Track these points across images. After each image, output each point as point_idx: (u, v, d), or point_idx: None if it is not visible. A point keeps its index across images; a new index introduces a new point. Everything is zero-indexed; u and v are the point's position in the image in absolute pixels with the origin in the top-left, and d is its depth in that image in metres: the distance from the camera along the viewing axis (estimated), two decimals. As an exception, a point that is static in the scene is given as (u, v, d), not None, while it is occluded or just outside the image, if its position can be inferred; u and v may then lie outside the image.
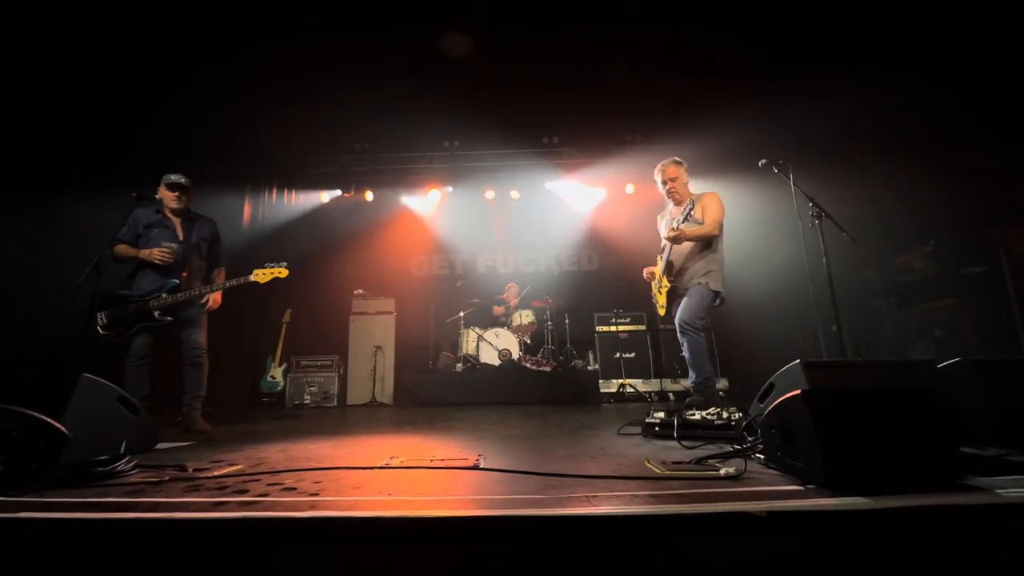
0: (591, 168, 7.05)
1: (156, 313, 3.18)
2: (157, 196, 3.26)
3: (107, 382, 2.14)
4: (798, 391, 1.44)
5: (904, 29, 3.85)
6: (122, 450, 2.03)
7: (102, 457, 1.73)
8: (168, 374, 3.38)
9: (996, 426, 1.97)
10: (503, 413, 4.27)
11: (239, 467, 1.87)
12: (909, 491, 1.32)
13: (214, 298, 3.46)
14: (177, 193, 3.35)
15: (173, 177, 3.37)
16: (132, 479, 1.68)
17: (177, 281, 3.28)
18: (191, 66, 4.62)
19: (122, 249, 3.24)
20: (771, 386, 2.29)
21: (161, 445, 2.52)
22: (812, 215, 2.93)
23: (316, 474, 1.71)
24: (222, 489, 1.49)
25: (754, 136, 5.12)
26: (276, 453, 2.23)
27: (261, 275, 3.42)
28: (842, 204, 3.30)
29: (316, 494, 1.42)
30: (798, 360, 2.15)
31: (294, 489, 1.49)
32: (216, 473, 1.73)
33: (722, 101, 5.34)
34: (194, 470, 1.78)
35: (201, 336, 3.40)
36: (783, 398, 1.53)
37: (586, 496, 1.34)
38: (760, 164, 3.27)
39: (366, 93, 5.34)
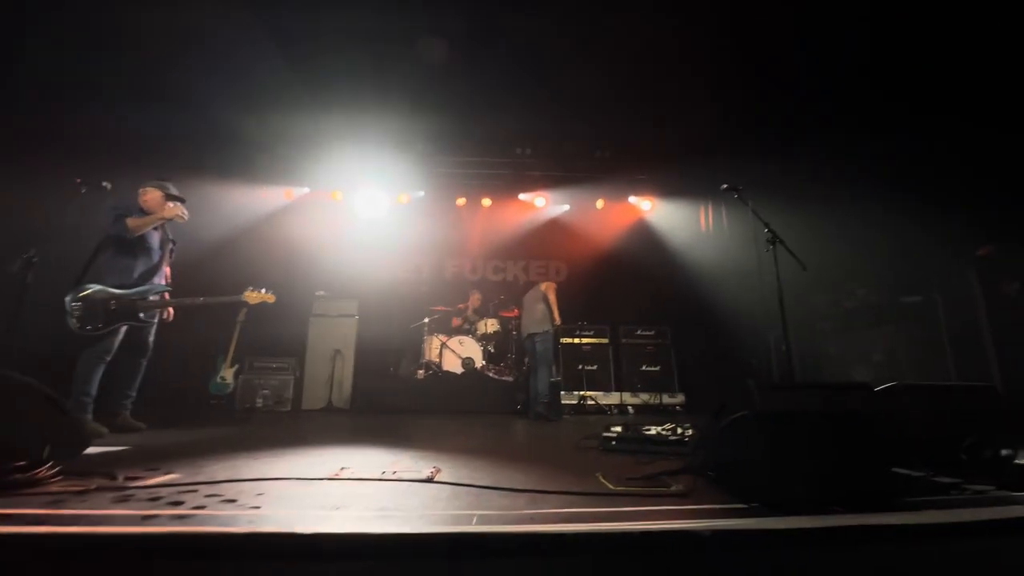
0: (562, 181, 7.16)
1: (141, 315, 3.17)
2: (104, 184, 3.07)
3: (31, 380, 1.98)
4: (746, 412, 1.49)
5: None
6: (45, 455, 1.87)
7: (20, 463, 1.59)
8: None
9: (924, 448, 2.10)
10: (464, 423, 4.22)
11: (176, 476, 1.76)
12: (847, 511, 1.38)
13: (170, 310, 3.42)
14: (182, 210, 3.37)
15: (174, 189, 3.38)
16: (54, 488, 1.55)
17: (165, 286, 3.35)
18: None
19: (136, 221, 3.13)
20: (723, 404, 2.36)
21: (92, 449, 2.34)
22: (767, 240, 3.07)
23: (259, 485, 1.63)
24: (154, 500, 1.40)
25: (718, 161, 5.34)
26: (218, 461, 2.11)
27: (252, 296, 3.56)
28: (793, 230, 3.48)
29: (257, 507, 1.36)
30: (750, 380, 2.23)
31: (234, 501, 1.41)
32: (150, 482, 1.63)
33: (690, 126, 5.56)
34: (125, 478, 1.66)
35: (152, 338, 3.38)
36: (732, 418, 1.58)
37: (536, 513, 1.33)
38: (721, 188, 3.41)
39: (342, 87, 5.22)
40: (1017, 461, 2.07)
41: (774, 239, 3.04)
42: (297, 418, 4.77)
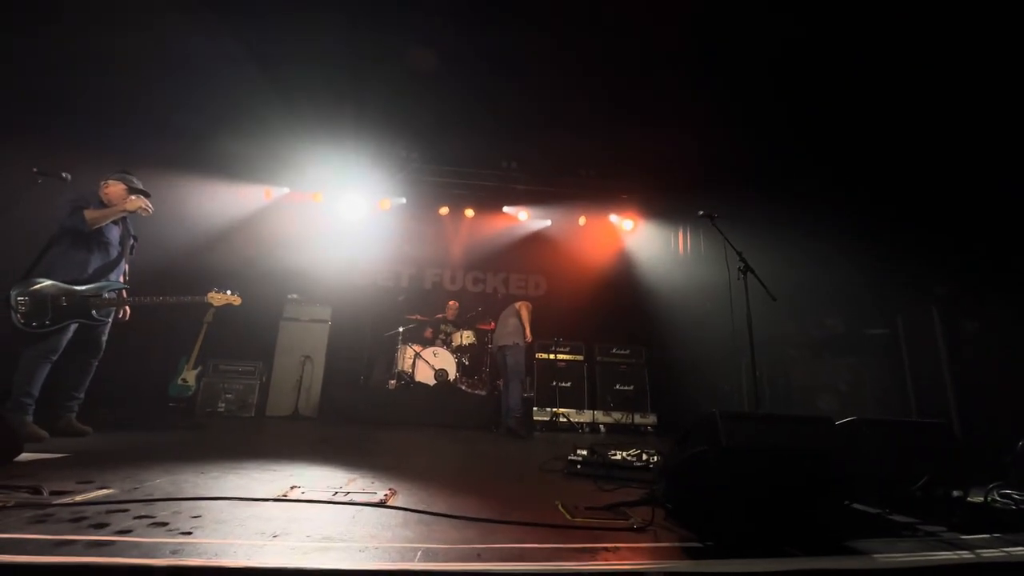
0: (546, 196, 7.20)
1: (95, 312, 3.03)
2: (64, 175, 2.92)
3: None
4: (705, 447, 1.47)
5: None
6: (-33, 463, 1.75)
7: (-67, 474, 1.47)
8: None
9: (882, 483, 2.12)
10: (432, 437, 4.13)
11: (109, 491, 1.65)
12: (801, 553, 1.37)
13: (127, 309, 3.29)
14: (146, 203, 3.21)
15: (138, 183, 3.27)
16: (-32, 502, 1.44)
17: (122, 283, 3.23)
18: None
19: (94, 213, 3.00)
20: (688, 432, 2.35)
21: (27, 455, 2.20)
22: (739, 269, 3.10)
23: (198, 505, 1.54)
24: (76, 521, 1.30)
25: (698, 188, 5.44)
26: (162, 474, 2.00)
27: (216, 298, 3.43)
28: (766, 256, 3.55)
29: (189, 532, 1.27)
30: (715, 410, 2.22)
31: (165, 524, 1.33)
32: (77, 499, 1.52)
33: (673, 151, 5.66)
34: (51, 493, 1.55)
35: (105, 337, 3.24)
36: (692, 452, 1.57)
37: (486, 549, 1.28)
38: (698, 214, 3.45)
39: (319, 95, 5.16)
40: (969, 499, 2.11)
41: (746, 268, 3.08)
42: (260, 425, 4.61)
